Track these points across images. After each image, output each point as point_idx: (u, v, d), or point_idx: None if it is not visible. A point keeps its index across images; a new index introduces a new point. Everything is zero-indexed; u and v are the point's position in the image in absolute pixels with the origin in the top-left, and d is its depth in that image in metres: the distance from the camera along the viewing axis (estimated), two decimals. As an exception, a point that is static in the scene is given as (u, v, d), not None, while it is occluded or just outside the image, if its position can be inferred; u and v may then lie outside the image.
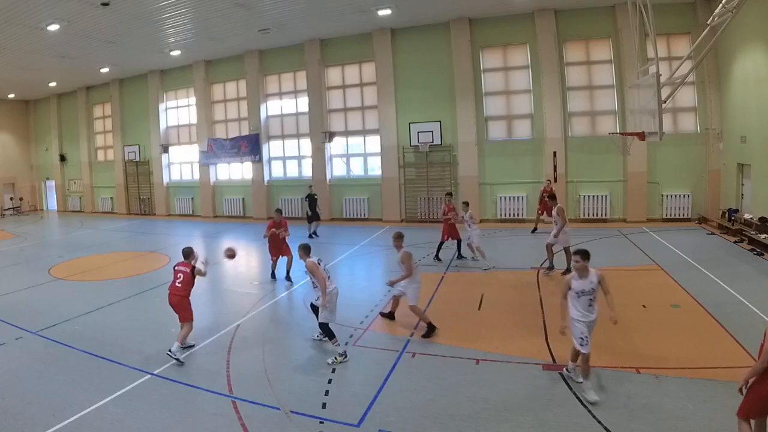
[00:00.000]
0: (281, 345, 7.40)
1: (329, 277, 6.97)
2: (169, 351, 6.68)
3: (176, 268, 7.24)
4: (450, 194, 12.78)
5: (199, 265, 7.20)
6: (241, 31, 17.92)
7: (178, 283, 7.04)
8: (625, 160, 16.19)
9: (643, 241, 13.49)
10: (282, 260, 11.00)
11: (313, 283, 6.94)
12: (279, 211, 11.88)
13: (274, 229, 10.85)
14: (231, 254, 7.91)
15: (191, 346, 7.22)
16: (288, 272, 10.88)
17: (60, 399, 5.68)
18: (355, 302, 9.54)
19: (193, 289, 7.23)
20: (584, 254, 5.57)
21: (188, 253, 7.28)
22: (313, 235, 16.27)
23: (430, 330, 7.33)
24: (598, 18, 16.37)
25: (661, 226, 15.52)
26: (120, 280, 11.50)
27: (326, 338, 6.83)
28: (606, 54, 16.66)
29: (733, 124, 14.65)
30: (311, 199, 16.61)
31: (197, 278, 7.17)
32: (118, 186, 26.37)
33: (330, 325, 6.70)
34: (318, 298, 6.83)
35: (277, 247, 10.90)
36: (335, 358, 6.56)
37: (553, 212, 10.66)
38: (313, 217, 16.56)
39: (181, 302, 7.01)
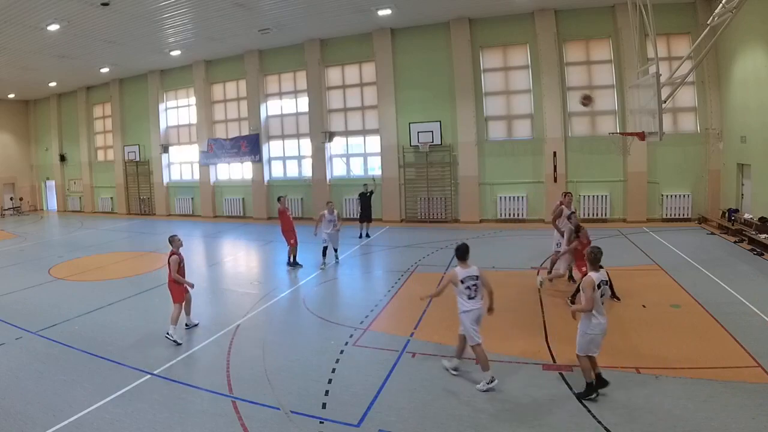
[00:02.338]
0: (281, 345, 7.39)
1: (334, 220, 11.91)
2: (167, 334, 7.39)
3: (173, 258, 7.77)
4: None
5: (172, 259, 7.63)
6: (241, 31, 17.92)
7: (165, 270, 7.81)
8: (625, 160, 16.19)
9: (643, 241, 13.49)
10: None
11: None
12: (281, 198, 12.91)
13: (289, 213, 12.38)
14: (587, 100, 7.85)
15: (195, 325, 8.06)
16: (295, 258, 12.22)
17: (60, 399, 5.68)
18: (355, 302, 9.57)
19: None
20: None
21: (169, 242, 7.90)
22: (365, 236, 15.96)
23: (589, 390, 5.31)
24: (598, 18, 16.37)
25: (661, 226, 15.52)
26: (120, 280, 11.50)
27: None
28: (606, 54, 16.67)
29: (733, 124, 14.65)
30: (364, 198, 16.21)
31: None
32: (118, 186, 26.37)
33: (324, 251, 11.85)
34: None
35: (292, 230, 12.04)
36: (321, 267, 11.79)
37: (570, 223, 9.26)
38: (365, 216, 16.16)
39: (168, 286, 7.78)
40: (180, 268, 7.73)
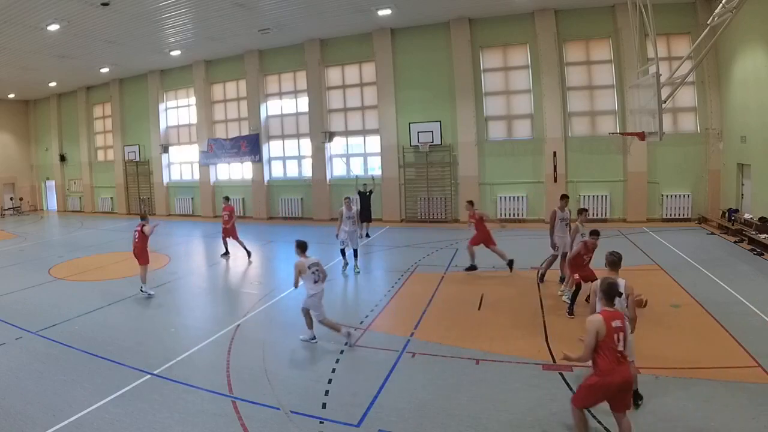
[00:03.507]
0: (281, 345, 7.40)
1: (353, 217, 11.32)
2: (141, 290, 9.95)
3: (135, 229, 10.29)
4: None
5: (146, 228, 10.13)
6: (241, 31, 17.92)
7: (136, 239, 10.16)
8: (625, 160, 16.20)
9: (643, 241, 13.49)
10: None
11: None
12: (227, 198, 14.74)
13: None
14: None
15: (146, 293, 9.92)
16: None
17: (60, 399, 5.68)
18: (355, 302, 9.57)
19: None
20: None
21: (143, 216, 10.61)
22: (365, 236, 15.94)
23: None
24: (598, 18, 16.38)
25: (661, 226, 15.52)
26: (120, 280, 11.49)
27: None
28: (606, 54, 16.67)
29: (733, 124, 14.65)
30: (364, 197, 16.24)
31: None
32: (118, 186, 26.37)
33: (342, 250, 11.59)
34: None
35: (233, 229, 13.68)
36: (344, 271, 11.43)
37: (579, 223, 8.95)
38: (365, 216, 16.10)
39: (140, 252, 10.10)
40: (135, 238, 10.19)
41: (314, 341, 7.18)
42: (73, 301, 9.88)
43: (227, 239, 13.80)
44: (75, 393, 5.82)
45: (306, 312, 7.21)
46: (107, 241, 17.80)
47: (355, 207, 11.63)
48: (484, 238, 10.86)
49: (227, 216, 13.59)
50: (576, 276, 7.99)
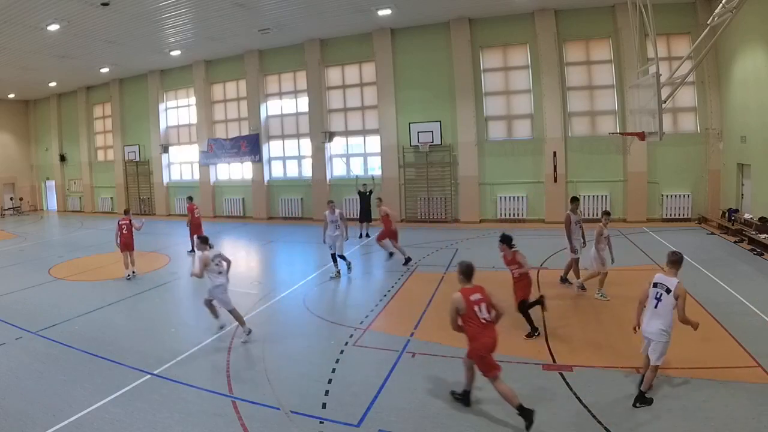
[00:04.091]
0: (281, 345, 7.39)
1: (336, 221, 10.82)
2: (131, 275, 11.34)
3: (120, 222, 11.50)
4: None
5: (134, 221, 11.63)
6: (241, 31, 17.92)
7: (125, 230, 11.39)
8: (625, 160, 16.20)
9: (643, 241, 13.49)
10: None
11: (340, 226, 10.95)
12: (191, 198, 15.50)
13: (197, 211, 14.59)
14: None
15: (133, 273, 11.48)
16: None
17: (60, 399, 5.68)
18: (355, 302, 9.56)
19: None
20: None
21: (126, 211, 12.33)
22: (365, 236, 15.94)
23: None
24: (598, 18, 16.37)
25: (661, 226, 15.52)
26: (120, 280, 11.49)
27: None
28: (606, 54, 16.67)
29: (733, 124, 14.65)
30: (364, 197, 16.30)
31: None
32: (118, 186, 26.37)
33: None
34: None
35: (199, 226, 14.39)
36: (332, 276, 11.05)
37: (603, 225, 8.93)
38: (365, 216, 16.17)
39: (131, 241, 11.40)
40: (124, 230, 11.45)
41: (222, 329, 7.59)
42: (73, 301, 9.87)
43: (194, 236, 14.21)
44: (75, 393, 5.82)
45: (209, 302, 7.54)
46: (107, 241, 17.71)
47: (339, 210, 11.05)
48: (389, 233, 12.02)
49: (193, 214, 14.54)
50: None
